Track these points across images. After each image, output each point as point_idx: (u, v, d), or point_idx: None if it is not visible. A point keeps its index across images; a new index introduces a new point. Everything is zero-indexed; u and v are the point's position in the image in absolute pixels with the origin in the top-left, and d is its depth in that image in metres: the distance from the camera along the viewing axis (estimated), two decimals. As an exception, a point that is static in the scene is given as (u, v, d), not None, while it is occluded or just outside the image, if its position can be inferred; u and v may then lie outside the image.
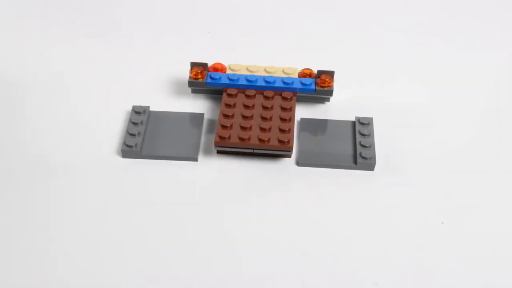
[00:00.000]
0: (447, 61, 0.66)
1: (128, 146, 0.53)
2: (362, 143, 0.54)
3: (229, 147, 0.53)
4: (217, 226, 0.49)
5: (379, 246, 0.48)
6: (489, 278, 0.46)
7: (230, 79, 0.58)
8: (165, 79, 0.62)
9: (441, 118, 0.59)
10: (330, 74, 0.58)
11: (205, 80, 0.58)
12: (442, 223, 0.49)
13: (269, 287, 0.45)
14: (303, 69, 0.59)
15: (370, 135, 0.55)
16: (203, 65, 0.58)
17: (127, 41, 0.67)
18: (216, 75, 0.58)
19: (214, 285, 0.45)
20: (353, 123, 0.57)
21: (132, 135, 0.54)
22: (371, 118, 0.56)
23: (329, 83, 0.57)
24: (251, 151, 0.53)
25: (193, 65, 0.58)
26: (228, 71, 0.59)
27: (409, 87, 0.62)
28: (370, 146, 0.54)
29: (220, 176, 0.53)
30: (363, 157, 0.53)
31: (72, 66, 0.63)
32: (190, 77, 0.58)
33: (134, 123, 0.55)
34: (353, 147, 0.54)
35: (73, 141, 0.55)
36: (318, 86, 0.57)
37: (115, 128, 0.56)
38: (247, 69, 0.59)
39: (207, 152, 0.54)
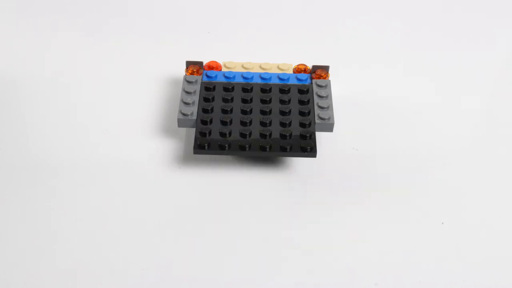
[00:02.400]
0: (446, 56, 0.66)
1: (184, 114, 0.53)
2: (320, 104, 0.54)
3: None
4: (216, 227, 0.49)
5: (379, 246, 0.48)
6: (489, 279, 0.46)
7: (226, 77, 0.58)
8: (160, 78, 0.62)
9: (440, 115, 0.59)
10: (325, 68, 0.59)
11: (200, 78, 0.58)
12: (442, 223, 0.49)
13: (269, 286, 0.45)
14: (297, 65, 0.59)
15: (327, 96, 0.55)
16: (199, 64, 0.59)
17: (122, 40, 0.67)
18: (211, 73, 0.58)
19: (216, 284, 0.45)
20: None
21: (186, 104, 0.54)
22: (329, 81, 0.57)
23: (325, 77, 0.58)
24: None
25: (189, 64, 0.59)
26: (224, 69, 0.59)
27: (407, 82, 0.62)
28: (328, 107, 0.54)
29: (219, 175, 0.53)
30: (321, 118, 0.53)
31: (71, 66, 0.63)
32: (185, 75, 0.58)
33: (188, 92, 0.55)
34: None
35: (73, 141, 0.55)
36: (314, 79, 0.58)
37: (115, 127, 0.56)
38: (242, 66, 0.59)
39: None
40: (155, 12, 0.72)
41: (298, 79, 0.58)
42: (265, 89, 0.55)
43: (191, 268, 0.46)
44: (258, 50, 0.65)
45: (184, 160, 0.54)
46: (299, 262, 0.46)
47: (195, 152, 0.51)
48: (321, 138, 0.56)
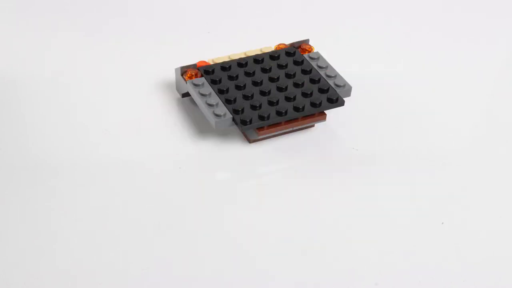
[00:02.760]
0: (446, 56, 0.66)
1: (217, 115, 0.53)
2: (327, 74, 0.55)
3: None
4: (217, 225, 0.49)
5: (379, 246, 0.48)
6: (489, 279, 0.46)
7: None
8: (160, 78, 0.62)
9: (440, 115, 0.59)
10: (306, 42, 0.60)
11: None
12: (442, 223, 0.49)
13: (269, 286, 0.45)
14: (278, 44, 0.60)
15: (327, 66, 0.57)
16: (193, 66, 0.58)
17: (122, 40, 0.67)
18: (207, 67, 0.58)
19: (216, 284, 0.45)
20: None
21: (211, 105, 0.54)
22: (317, 52, 0.59)
23: (310, 49, 0.59)
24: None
25: (184, 69, 0.58)
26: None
27: (406, 82, 0.62)
28: (336, 76, 0.55)
29: (219, 175, 0.53)
30: (337, 86, 0.55)
31: (71, 66, 0.63)
32: (185, 79, 0.57)
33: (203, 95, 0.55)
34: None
35: (73, 141, 0.55)
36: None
37: (118, 129, 0.56)
38: (229, 57, 0.59)
39: (208, 149, 0.55)
40: (155, 12, 0.72)
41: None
42: (258, 60, 0.58)
43: (191, 268, 0.46)
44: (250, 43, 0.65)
45: (184, 160, 0.54)
46: (299, 262, 0.46)
47: (243, 129, 0.53)
48: (321, 138, 0.56)
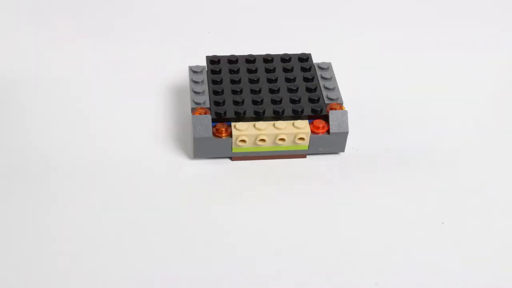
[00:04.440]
0: (446, 56, 0.66)
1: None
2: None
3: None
4: (217, 226, 0.49)
5: (379, 246, 0.48)
6: (489, 279, 0.46)
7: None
8: (160, 78, 0.62)
9: (440, 116, 0.59)
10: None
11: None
12: (442, 223, 0.49)
13: (269, 287, 0.45)
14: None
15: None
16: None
17: (122, 40, 0.67)
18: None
19: (216, 285, 0.45)
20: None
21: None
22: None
23: None
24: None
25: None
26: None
27: (407, 82, 0.62)
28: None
29: (219, 176, 0.53)
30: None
31: (71, 66, 0.63)
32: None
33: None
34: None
35: (73, 141, 0.55)
36: None
37: (117, 129, 0.56)
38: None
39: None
40: (154, 12, 0.72)
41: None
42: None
43: (190, 268, 0.46)
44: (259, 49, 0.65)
45: (184, 160, 0.54)
46: (299, 262, 0.46)
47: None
48: (321, 138, 0.56)
